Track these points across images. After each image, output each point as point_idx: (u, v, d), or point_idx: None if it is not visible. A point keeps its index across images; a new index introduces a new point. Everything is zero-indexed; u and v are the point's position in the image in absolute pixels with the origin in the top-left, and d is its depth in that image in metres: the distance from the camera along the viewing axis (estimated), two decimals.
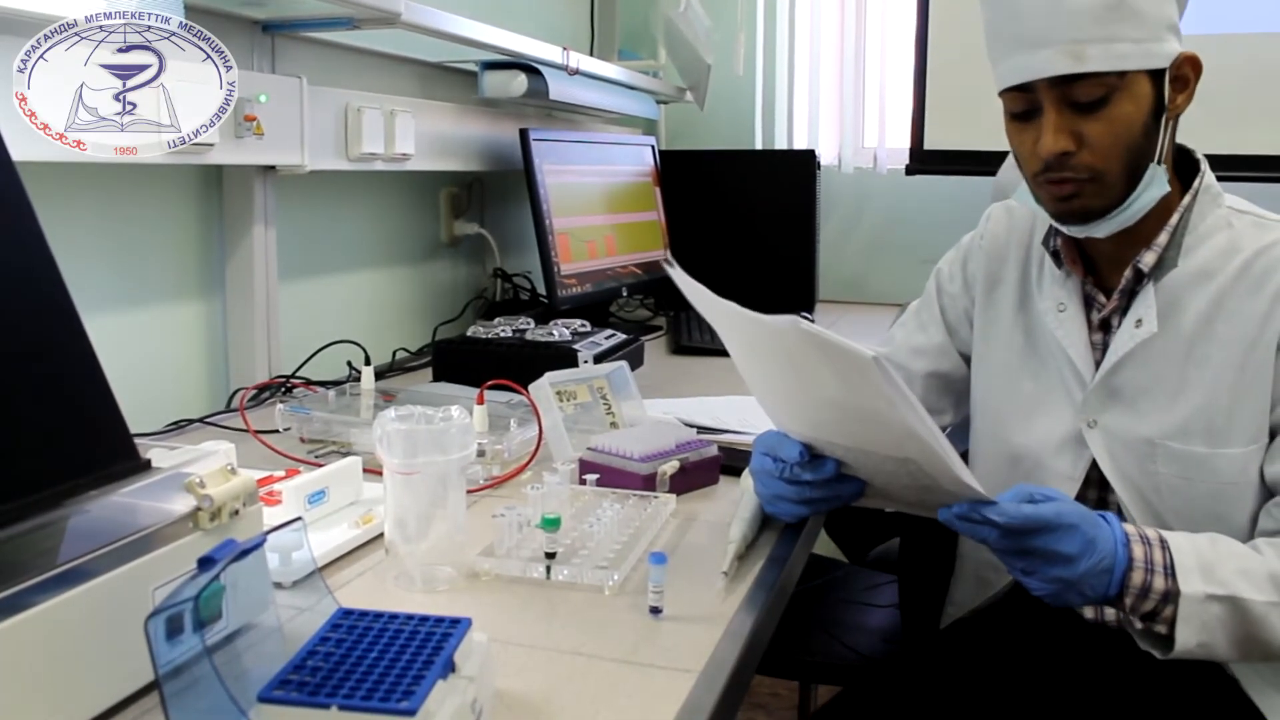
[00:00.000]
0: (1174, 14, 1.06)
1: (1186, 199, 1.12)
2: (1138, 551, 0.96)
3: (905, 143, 2.74)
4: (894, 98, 2.83)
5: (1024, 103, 1.07)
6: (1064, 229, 1.13)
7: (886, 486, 0.98)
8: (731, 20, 2.77)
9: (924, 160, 2.72)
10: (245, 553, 0.64)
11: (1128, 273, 1.12)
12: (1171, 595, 0.95)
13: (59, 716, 0.63)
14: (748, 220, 2.62)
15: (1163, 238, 1.11)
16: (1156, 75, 1.05)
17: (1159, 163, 1.07)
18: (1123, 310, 1.14)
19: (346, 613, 0.71)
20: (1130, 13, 1.01)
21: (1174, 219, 1.11)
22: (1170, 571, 0.96)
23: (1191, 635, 0.95)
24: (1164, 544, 0.97)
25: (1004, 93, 1.09)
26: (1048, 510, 0.93)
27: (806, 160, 2.66)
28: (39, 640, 0.61)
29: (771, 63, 2.91)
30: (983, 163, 2.42)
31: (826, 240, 2.74)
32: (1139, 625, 0.99)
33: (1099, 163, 1.05)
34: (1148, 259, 1.11)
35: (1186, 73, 1.07)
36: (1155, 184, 1.07)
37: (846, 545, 1.93)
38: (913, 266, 2.07)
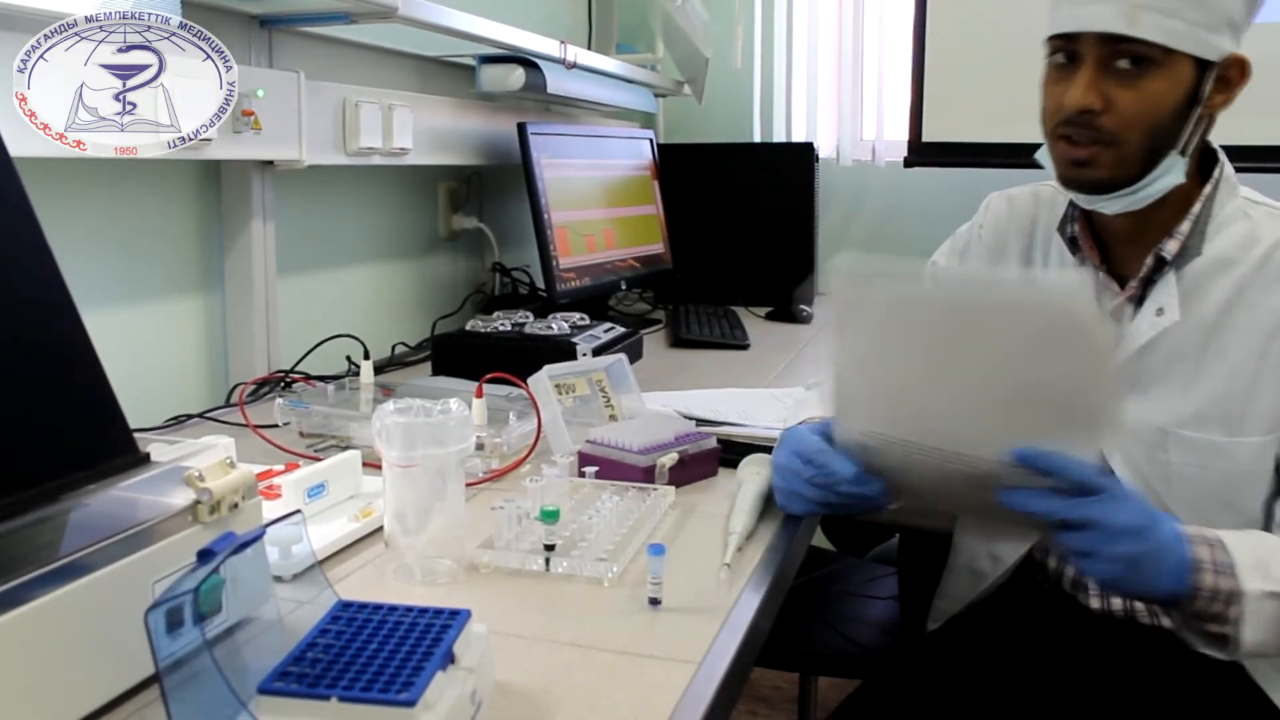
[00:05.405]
0: (1238, 12, 1.05)
1: (1208, 188, 1.11)
2: (1204, 553, 0.94)
3: (904, 135, 2.73)
4: (892, 90, 2.82)
5: (1066, 53, 1.07)
6: (1071, 195, 1.13)
7: (932, 489, 0.95)
8: (729, 13, 2.76)
9: (922, 152, 2.72)
10: (245, 546, 0.65)
11: (1149, 260, 1.12)
12: (1235, 595, 0.94)
13: (59, 710, 0.63)
14: (747, 213, 2.62)
15: (1185, 226, 1.11)
16: (1201, 66, 1.04)
17: (1182, 154, 1.07)
18: (1138, 299, 1.13)
19: (346, 605, 0.71)
20: None
21: (1196, 208, 1.11)
22: (1231, 571, 0.94)
23: (1258, 633, 0.94)
24: (1221, 543, 0.96)
25: (1050, 39, 1.08)
26: (1100, 479, 0.90)
27: (805, 153, 2.66)
28: (39, 634, 0.61)
29: (770, 55, 2.91)
30: (981, 155, 2.42)
31: (825, 233, 2.74)
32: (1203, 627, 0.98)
33: (1120, 129, 1.05)
34: (1171, 247, 1.10)
35: (1233, 75, 1.07)
36: (1172, 173, 1.07)
37: (845, 546, 1.92)
38: (912, 259, 2.06)
